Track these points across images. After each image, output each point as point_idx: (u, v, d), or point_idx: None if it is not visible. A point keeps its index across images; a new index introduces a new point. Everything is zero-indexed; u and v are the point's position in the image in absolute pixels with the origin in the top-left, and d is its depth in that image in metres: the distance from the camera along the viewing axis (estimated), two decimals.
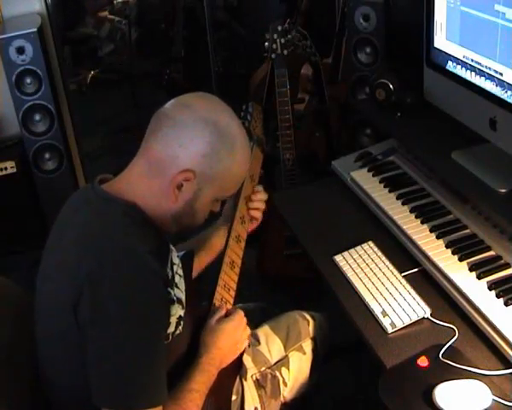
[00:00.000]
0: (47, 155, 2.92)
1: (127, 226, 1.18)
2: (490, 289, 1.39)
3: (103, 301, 1.10)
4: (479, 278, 1.43)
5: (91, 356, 1.12)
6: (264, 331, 1.64)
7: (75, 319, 1.13)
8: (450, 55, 1.72)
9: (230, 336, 1.34)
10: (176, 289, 1.27)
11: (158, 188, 1.22)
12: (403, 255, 1.61)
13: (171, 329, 1.24)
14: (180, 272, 1.34)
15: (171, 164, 1.20)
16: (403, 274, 1.53)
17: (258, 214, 1.58)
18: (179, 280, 1.31)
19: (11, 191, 2.91)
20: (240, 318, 1.38)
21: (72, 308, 1.12)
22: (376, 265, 1.57)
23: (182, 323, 1.28)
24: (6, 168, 2.87)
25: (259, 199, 1.58)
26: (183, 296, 1.31)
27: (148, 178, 1.22)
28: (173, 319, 1.24)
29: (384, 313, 1.42)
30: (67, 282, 1.14)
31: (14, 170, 2.89)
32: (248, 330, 1.41)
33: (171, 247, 1.35)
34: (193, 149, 1.20)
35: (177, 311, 1.26)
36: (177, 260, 1.35)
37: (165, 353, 1.18)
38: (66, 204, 1.31)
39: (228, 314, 1.37)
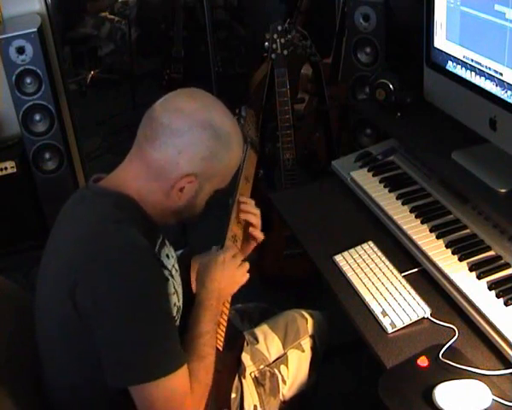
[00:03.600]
0: (47, 155, 2.92)
1: (116, 214, 1.20)
2: (490, 289, 1.39)
3: (101, 286, 1.11)
4: (479, 278, 1.43)
5: (101, 341, 1.13)
6: (262, 330, 1.64)
7: (75, 311, 1.13)
8: (450, 55, 1.72)
9: (223, 265, 1.34)
10: (171, 278, 1.29)
11: (158, 189, 1.24)
12: (403, 255, 1.61)
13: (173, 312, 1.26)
14: (177, 266, 1.36)
15: (172, 170, 1.21)
16: (403, 274, 1.53)
17: (255, 220, 1.53)
18: (176, 274, 1.34)
19: (11, 191, 2.91)
20: (232, 249, 1.39)
21: (71, 302, 1.13)
22: (376, 265, 1.57)
23: (178, 316, 1.29)
24: (6, 168, 2.87)
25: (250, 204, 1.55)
26: (179, 289, 1.32)
27: (147, 181, 1.23)
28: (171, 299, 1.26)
29: (384, 313, 1.42)
30: (65, 278, 1.15)
31: (14, 170, 2.89)
32: (247, 264, 1.40)
33: (167, 241, 1.36)
34: (192, 155, 1.21)
35: (173, 297, 1.27)
36: (174, 255, 1.37)
37: (173, 318, 1.21)
38: (64, 206, 1.32)
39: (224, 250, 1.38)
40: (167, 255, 1.33)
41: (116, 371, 1.13)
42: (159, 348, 1.13)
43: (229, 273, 1.36)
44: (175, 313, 1.27)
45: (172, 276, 1.30)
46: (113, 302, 1.11)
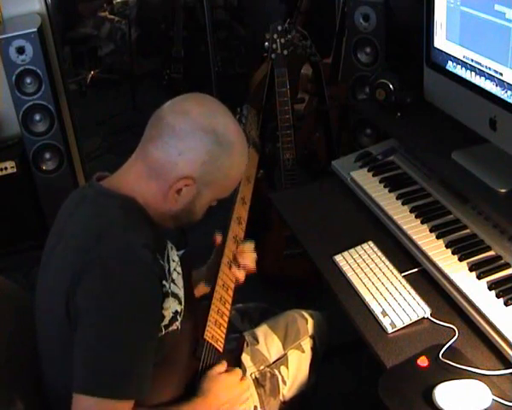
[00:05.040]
0: (47, 155, 2.92)
1: (123, 219, 1.19)
2: (490, 289, 1.40)
3: (96, 289, 1.11)
4: (479, 278, 1.43)
5: (76, 343, 1.12)
6: (262, 330, 1.64)
7: (68, 314, 1.14)
8: (450, 55, 1.72)
9: (229, 389, 1.32)
10: (172, 284, 1.28)
11: (157, 190, 1.23)
12: (403, 255, 1.61)
13: (164, 322, 1.24)
14: (179, 269, 1.35)
15: (170, 171, 1.21)
16: (403, 274, 1.53)
17: (242, 276, 1.54)
18: (177, 277, 1.32)
19: (11, 191, 2.91)
20: (239, 375, 1.37)
21: (66, 302, 1.13)
22: (376, 265, 1.57)
23: (179, 319, 1.28)
24: (6, 168, 2.87)
25: (249, 261, 1.55)
26: (180, 292, 1.31)
27: (147, 181, 1.23)
28: (167, 313, 1.24)
29: (384, 313, 1.42)
30: (65, 279, 1.15)
31: (14, 170, 2.89)
32: (246, 395, 1.40)
33: (171, 244, 1.35)
34: (192, 158, 1.21)
35: (172, 305, 1.26)
36: (176, 258, 1.35)
37: (152, 348, 1.17)
38: (65, 203, 1.32)
39: (228, 370, 1.35)
40: (172, 260, 1.33)
41: (76, 373, 1.11)
42: (121, 367, 1.11)
43: (231, 398, 1.33)
44: (171, 318, 1.26)
45: (173, 280, 1.29)
46: (100, 307, 1.11)
